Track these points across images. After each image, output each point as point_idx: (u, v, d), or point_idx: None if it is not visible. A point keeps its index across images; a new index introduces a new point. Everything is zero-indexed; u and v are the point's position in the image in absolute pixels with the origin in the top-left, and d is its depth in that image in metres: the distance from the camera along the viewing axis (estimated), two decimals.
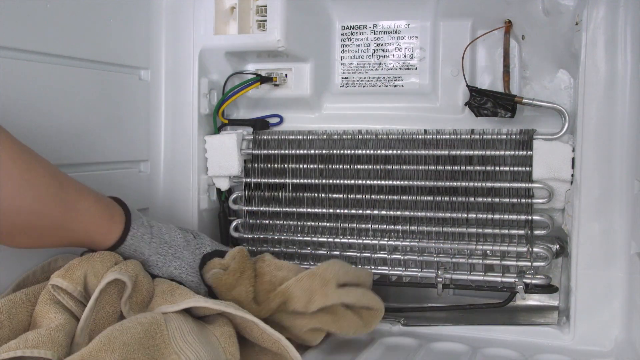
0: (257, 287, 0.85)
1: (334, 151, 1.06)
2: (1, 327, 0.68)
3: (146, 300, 0.79)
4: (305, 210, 1.08)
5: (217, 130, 1.13)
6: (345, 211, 1.06)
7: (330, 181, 1.06)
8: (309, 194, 1.08)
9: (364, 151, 1.04)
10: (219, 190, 1.13)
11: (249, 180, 1.11)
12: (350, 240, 1.06)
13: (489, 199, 0.98)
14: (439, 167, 1.01)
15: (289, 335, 0.86)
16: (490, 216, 0.98)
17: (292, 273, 0.87)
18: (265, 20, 1.05)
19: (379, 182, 1.04)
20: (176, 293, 0.79)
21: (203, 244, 0.90)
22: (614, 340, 0.90)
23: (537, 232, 0.97)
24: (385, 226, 1.04)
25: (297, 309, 0.83)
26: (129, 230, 0.81)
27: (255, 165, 1.10)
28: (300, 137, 1.08)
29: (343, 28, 1.15)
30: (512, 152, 0.97)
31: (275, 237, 1.10)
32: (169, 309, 0.75)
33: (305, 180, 1.08)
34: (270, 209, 1.09)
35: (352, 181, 1.05)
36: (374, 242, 1.04)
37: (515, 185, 0.97)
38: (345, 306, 0.86)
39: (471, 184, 0.99)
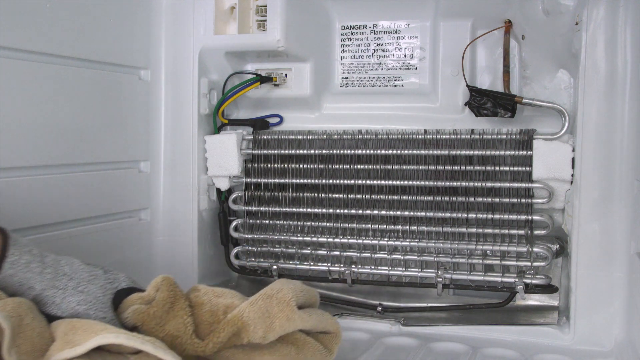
0: (196, 320, 0.71)
1: (334, 151, 1.06)
2: None
3: (39, 347, 0.62)
4: (305, 210, 1.08)
5: (217, 130, 1.13)
6: (345, 211, 1.06)
7: (330, 181, 1.06)
8: (308, 194, 1.08)
9: (364, 151, 1.04)
10: (219, 190, 1.13)
11: (248, 180, 1.11)
12: (350, 241, 1.06)
13: (489, 199, 0.98)
14: (439, 167, 1.01)
15: None
16: (490, 216, 0.98)
17: (236, 299, 0.73)
18: (265, 20, 1.05)
19: (379, 182, 1.04)
20: (79, 330, 0.63)
21: (116, 279, 0.74)
22: (614, 340, 0.90)
23: (537, 232, 0.97)
24: (385, 226, 1.04)
25: (253, 339, 0.69)
26: (5, 256, 0.65)
27: (255, 165, 1.10)
28: (300, 137, 1.08)
29: (343, 28, 1.15)
30: (512, 152, 0.97)
31: (275, 237, 1.10)
32: (72, 353, 0.59)
33: (305, 180, 1.07)
34: (270, 209, 1.09)
35: (352, 181, 1.05)
36: (374, 242, 1.04)
37: (515, 185, 0.97)
38: (305, 332, 0.74)
39: (471, 184, 0.99)
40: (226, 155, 1.10)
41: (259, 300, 0.71)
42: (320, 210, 1.07)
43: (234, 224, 1.13)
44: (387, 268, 1.05)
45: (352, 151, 1.05)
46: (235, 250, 1.13)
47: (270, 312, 0.70)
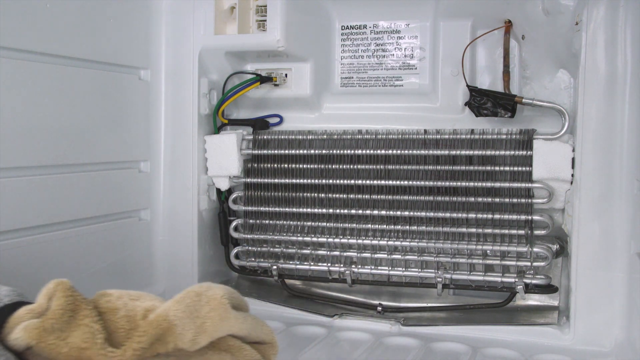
0: (107, 327, 0.59)
1: (334, 151, 1.06)
2: None
3: None
4: (305, 210, 1.08)
5: (217, 130, 1.13)
6: (345, 211, 1.06)
7: (330, 181, 1.06)
8: (308, 194, 1.08)
9: (364, 151, 1.04)
10: (219, 190, 1.13)
11: (248, 180, 1.11)
12: (350, 241, 1.06)
13: (489, 199, 0.98)
14: (439, 167, 1.01)
15: None
16: (490, 216, 0.98)
17: (157, 301, 0.63)
18: (265, 20, 1.05)
19: (378, 182, 1.04)
20: None
21: None
22: (614, 340, 0.90)
23: (537, 232, 0.97)
24: (385, 226, 1.04)
25: (181, 343, 0.59)
26: None
27: (255, 165, 1.10)
28: (300, 137, 1.08)
29: (343, 28, 1.15)
30: (512, 152, 0.97)
31: (275, 237, 1.10)
32: None
33: (305, 180, 1.08)
34: (270, 209, 1.09)
35: (352, 181, 1.05)
36: (374, 242, 1.04)
37: (515, 185, 0.97)
38: (240, 339, 0.65)
39: (471, 184, 0.99)
40: (226, 155, 1.10)
41: (186, 298, 0.61)
42: (320, 210, 1.07)
43: (234, 224, 1.13)
44: (387, 268, 1.05)
45: (352, 151, 1.05)
46: (235, 250, 1.13)
47: (199, 311, 0.61)
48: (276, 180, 1.09)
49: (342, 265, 1.07)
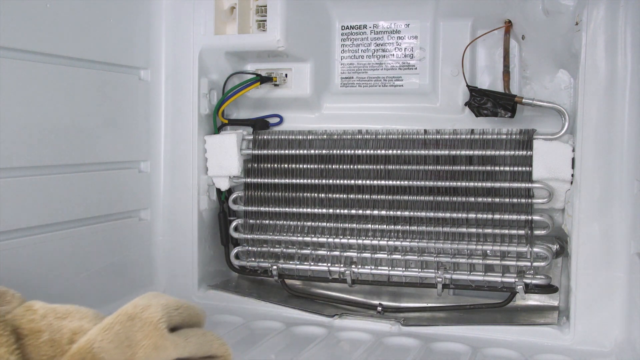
0: (28, 354, 0.54)
1: (334, 151, 1.06)
2: None
3: None
4: (305, 210, 1.08)
5: (217, 130, 1.13)
6: (345, 211, 1.06)
7: (330, 181, 1.06)
8: (309, 194, 1.08)
9: (364, 151, 1.04)
10: (219, 190, 1.13)
11: (249, 180, 1.11)
12: (350, 241, 1.06)
13: (489, 199, 0.98)
14: (439, 167, 1.01)
15: None
16: (490, 216, 0.98)
17: (86, 321, 0.56)
18: (265, 20, 1.05)
19: (379, 182, 1.04)
20: None
21: None
22: (614, 340, 0.90)
23: (537, 232, 0.97)
24: (385, 226, 1.04)
25: None
26: None
27: (255, 165, 1.10)
28: (300, 137, 1.08)
29: (343, 28, 1.15)
30: (512, 152, 0.97)
31: (275, 237, 1.10)
32: None
33: (305, 181, 1.08)
34: (270, 209, 1.09)
35: (352, 181, 1.05)
36: (374, 242, 1.04)
37: (515, 185, 0.97)
38: None
39: (471, 184, 0.99)
40: (226, 155, 1.10)
41: (116, 323, 0.54)
42: (320, 210, 1.07)
43: (234, 224, 1.13)
44: (387, 268, 1.05)
45: (352, 151, 1.05)
46: (235, 251, 1.13)
47: (131, 339, 0.53)
48: (276, 180, 1.09)
49: (342, 265, 1.07)
